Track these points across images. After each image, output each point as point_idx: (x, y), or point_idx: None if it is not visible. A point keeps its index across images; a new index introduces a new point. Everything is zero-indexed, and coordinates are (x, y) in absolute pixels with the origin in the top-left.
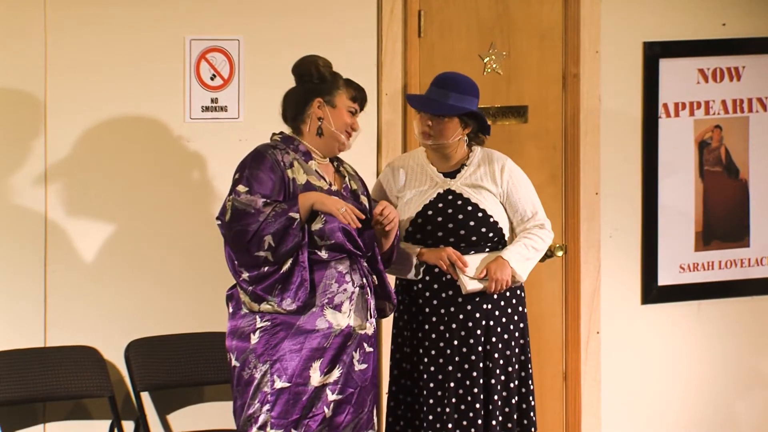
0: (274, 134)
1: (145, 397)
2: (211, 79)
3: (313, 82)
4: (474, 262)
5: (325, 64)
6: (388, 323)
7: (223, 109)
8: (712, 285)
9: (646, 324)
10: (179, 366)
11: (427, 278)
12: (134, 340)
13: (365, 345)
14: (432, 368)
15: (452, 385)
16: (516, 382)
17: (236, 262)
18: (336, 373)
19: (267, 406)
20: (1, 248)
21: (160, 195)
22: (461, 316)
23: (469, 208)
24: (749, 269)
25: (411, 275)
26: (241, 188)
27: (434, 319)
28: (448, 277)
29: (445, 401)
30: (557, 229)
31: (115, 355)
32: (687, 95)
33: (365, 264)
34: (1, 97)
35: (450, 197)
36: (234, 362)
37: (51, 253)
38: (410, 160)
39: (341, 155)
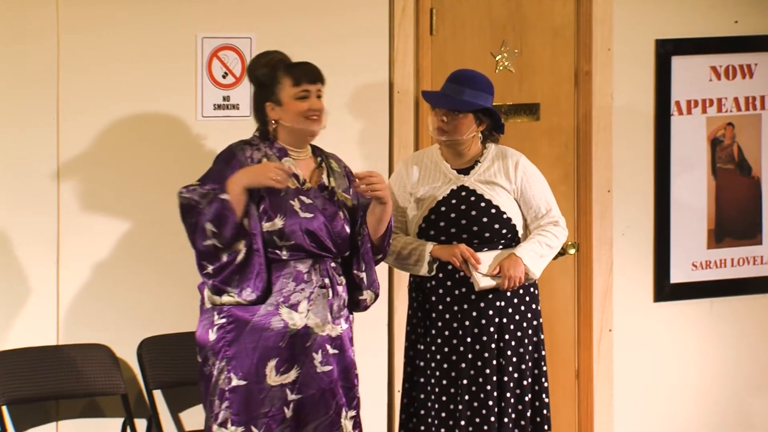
0: (257, 129)
1: (158, 395)
2: (223, 77)
3: (258, 88)
4: (487, 259)
5: (261, 64)
6: (401, 321)
7: (235, 107)
8: (724, 282)
9: (658, 322)
10: (192, 364)
11: (440, 275)
12: (147, 338)
13: (328, 347)
14: (445, 365)
15: (465, 382)
16: (529, 380)
17: (198, 257)
18: (294, 374)
19: (226, 403)
20: (14, 246)
21: (172, 193)
22: (474, 313)
23: (482, 204)
24: (762, 267)
25: (424, 272)
26: (193, 183)
27: (447, 316)
28: (461, 274)
29: (458, 398)
30: (569, 226)
31: (127, 353)
32: (699, 93)
33: (333, 265)
34: (14, 96)
35: (463, 193)
36: (198, 357)
37: (63, 251)
38: (424, 157)
39: (345, 154)
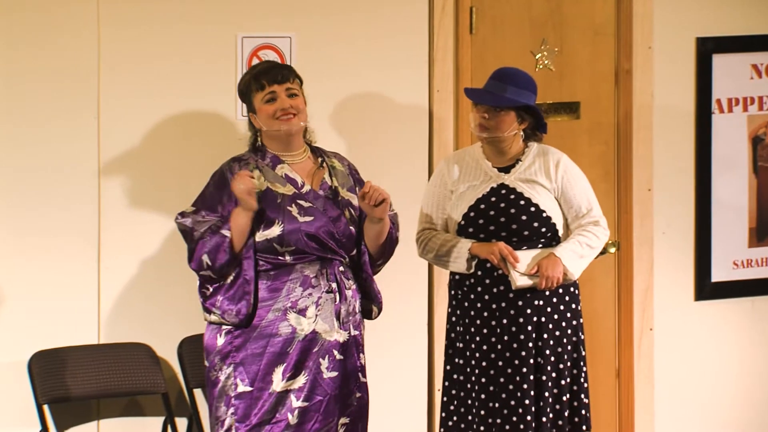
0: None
1: (198, 393)
2: None
3: (243, 100)
4: (525, 257)
5: (242, 79)
6: (441, 320)
7: None
8: (766, 281)
9: (699, 321)
10: None
11: (479, 273)
12: (187, 336)
13: (335, 352)
14: (483, 363)
15: (502, 380)
16: (568, 380)
17: (199, 279)
18: (301, 380)
19: (231, 410)
20: (55, 246)
21: None
22: (512, 312)
23: (522, 202)
24: None
25: (462, 268)
26: (189, 208)
27: (486, 314)
28: (500, 272)
29: (496, 397)
30: (610, 225)
31: (168, 352)
32: (740, 91)
33: (342, 269)
34: (55, 94)
35: (503, 191)
36: (205, 362)
37: (104, 251)
38: (465, 155)
39: (346, 151)
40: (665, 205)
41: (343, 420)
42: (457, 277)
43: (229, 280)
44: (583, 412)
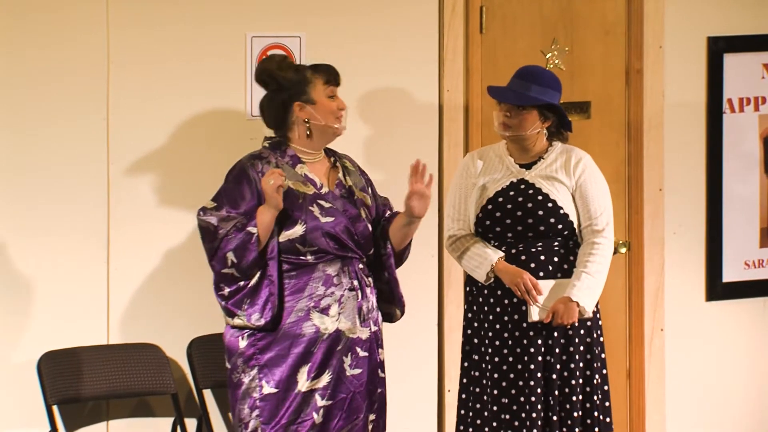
0: (265, 138)
1: (208, 394)
2: None
3: (282, 88)
4: (545, 288)
5: (281, 66)
6: (451, 321)
7: None
8: None
9: (710, 321)
10: None
11: (492, 284)
12: (197, 337)
13: (358, 349)
14: (496, 359)
15: (512, 376)
16: (580, 380)
17: (215, 278)
18: (326, 379)
19: (256, 412)
20: (64, 246)
21: None
22: (524, 308)
23: (540, 198)
24: None
25: (481, 279)
26: (208, 204)
27: (498, 309)
28: None
29: (506, 393)
30: (621, 225)
31: (177, 353)
32: (752, 90)
33: (361, 266)
34: (64, 94)
35: (522, 186)
36: (227, 364)
37: (113, 251)
38: (490, 151)
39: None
40: (676, 205)
41: (371, 417)
42: (474, 290)
43: (253, 282)
44: (596, 413)
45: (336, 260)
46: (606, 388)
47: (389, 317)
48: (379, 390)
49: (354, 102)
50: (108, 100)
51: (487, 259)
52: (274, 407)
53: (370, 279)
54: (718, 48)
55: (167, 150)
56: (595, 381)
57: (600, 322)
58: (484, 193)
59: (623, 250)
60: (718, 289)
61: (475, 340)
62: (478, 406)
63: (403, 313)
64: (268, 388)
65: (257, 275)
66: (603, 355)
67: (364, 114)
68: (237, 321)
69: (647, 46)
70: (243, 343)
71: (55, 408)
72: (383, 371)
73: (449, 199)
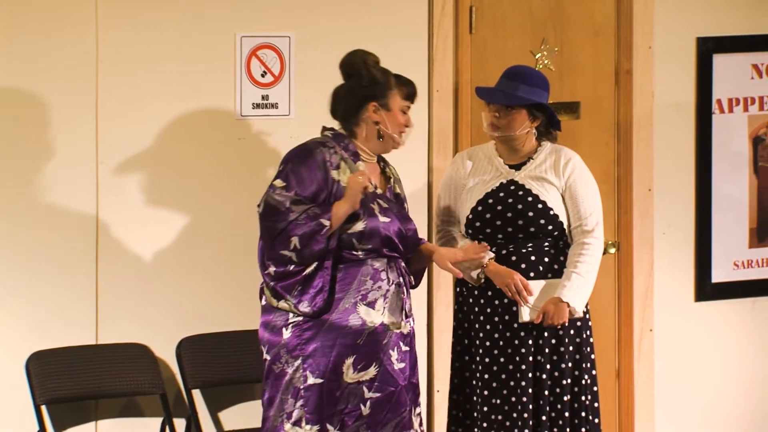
0: (324, 129)
1: (197, 394)
2: (262, 75)
3: (365, 84)
4: (536, 288)
5: (374, 62)
6: (440, 322)
7: (274, 106)
8: (766, 282)
9: (699, 321)
10: (231, 363)
11: (482, 284)
12: (186, 337)
13: (401, 344)
14: (486, 359)
15: (503, 377)
16: (569, 380)
17: (265, 255)
18: (372, 371)
19: (300, 402)
20: (52, 245)
21: (211, 192)
22: (514, 308)
23: (530, 199)
24: None
25: (471, 280)
26: (278, 183)
27: (488, 310)
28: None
29: (497, 393)
30: (610, 226)
31: (166, 353)
32: (741, 91)
33: (404, 265)
34: (53, 94)
35: (512, 187)
36: (265, 355)
37: (102, 251)
38: (479, 151)
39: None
40: (665, 205)
41: (417, 410)
42: (464, 291)
43: (308, 271)
44: (584, 413)
45: (383, 256)
46: (595, 388)
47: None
48: (418, 385)
49: None
50: (97, 100)
51: (479, 261)
52: (319, 397)
53: (412, 278)
54: (708, 48)
55: (156, 150)
56: (584, 381)
57: (590, 323)
58: (474, 195)
59: (612, 250)
60: (707, 289)
61: (466, 341)
62: (468, 406)
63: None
64: (313, 379)
65: (313, 266)
66: (593, 356)
67: None
68: (283, 304)
69: (637, 47)
70: (287, 334)
71: (43, 408)
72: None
73: (439, 200)
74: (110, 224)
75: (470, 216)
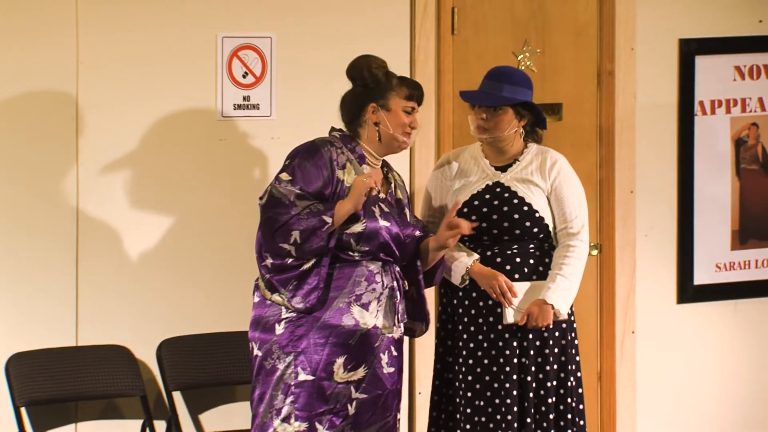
0: (333, 129)
1: (177, 396)
2: (243, 76)
3: (366, 86)
4: (521, 290)
5: (378, 65)
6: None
7: (256, 107)
8: (749, 284)
9: (681, 324)
10: (211, 365)
11: (467, 286)
12: (166, 339)
13: (392, 348)
14: (470, 361)
15: (487, 378)
16: (554, 382)
17: (263, 247)
18: (361, 372)
19: (291, 398)
20: (32, 246)
21: (192, 193)
22: (499, 310)
23: (515, 201)
24: None
25: (456, 282)
26: (284, 176)
27: (473, 311)
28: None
29: (481, 395)
30: (592, 227)
31: (147, 354)
32: (723, 92)
33: (398, 269)
34: (33, 96)
35: (498, 189)
36: (256, 351)
37: (82, 252)
38: (465, 152)
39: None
40: (647, 207)
41: (399, 416)
42: (448, 292)
43: (306, 267)
44: (569, 416)
45: (378, 260)
46: (580, 391)
47: (411, 332)
48: (401, 389)
49: (324, 102)
50: (77, 101)
51: (462, 262)
52: (309, 394)
53: (405, 282)
54: (690, 50)
55: (137, 151)
56: (569, 384)
57: (574, 325)
58: (460, 196)
59: (594, 252)
60: (689, 291)
61: (449, 342)
62: (450, 408)
63: (427, 328)
64: (304, 375)
65: (311, 263)
66: (578, 358)
67: (335, 114)
68: (276, 297)
69: (619, 48)
70: (280, 330)
71: (23, 410)
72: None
73: (424, 201)
74: (90, 226)
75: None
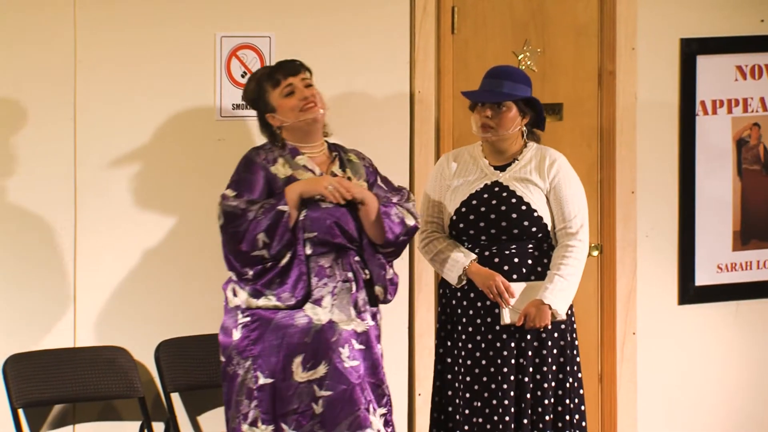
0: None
1: (176, 398)
2: (242, 76)
3: (256, 106)
4: (518, 290)
5: (247, 85)
6: (422, 323)
7: None
8: (750, 285)
9: (682, 325)
10: (210, 367)
11: (465, 286)
12: (164, 340)
13: (354, 341)
14: (468, 362)
15: (485, 379)
16: (553, 383)
17: (238, 263)
18: (322, 369)
19: (255, 402)
20: (30, 248)
21: (190, 194)
22: (496, 310)
23: (513, 200)
24: None
25: (452, 281)
26: (228, 192)
27: (471, 312)
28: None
29: (479, 396)
30: (592, 228)
31: (145, 356)
32: (725, 92)
33: (357, 258)
34: (31, 95)
35: (496, 189)
36: (221, 357)
37: (81, 253)
38: (465, 152)
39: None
40: (649, 207)
41: (381, 411)
42: (447, 292)
43: (284, 262)
44: (568, 417)
45: (330, 252)
46: (581, 392)
47: (373, 300)
48: (386, 385)
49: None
50: (75, 100)
51: (459, 261)
52: (271, 397)
53: (366, 272)
54: (691, 50)
55: (135, 151)
56: (568, 384)
57: (575, 326)
58: (458, 196)
59: (595, 253)
60: (690, 292)
61: (448, 343)
62: (450, 409)
63: (386, 291)
64: (264, 379)
65: (288, 257)
66: (578, 359)
67: (334, 114)
68: (263, 301)
69: (620, 48)
70: (237, 335)
71: (20, 411)
72: (383, 366)
73: (423, 201)
74: (89, 226)
75: (454, 217)
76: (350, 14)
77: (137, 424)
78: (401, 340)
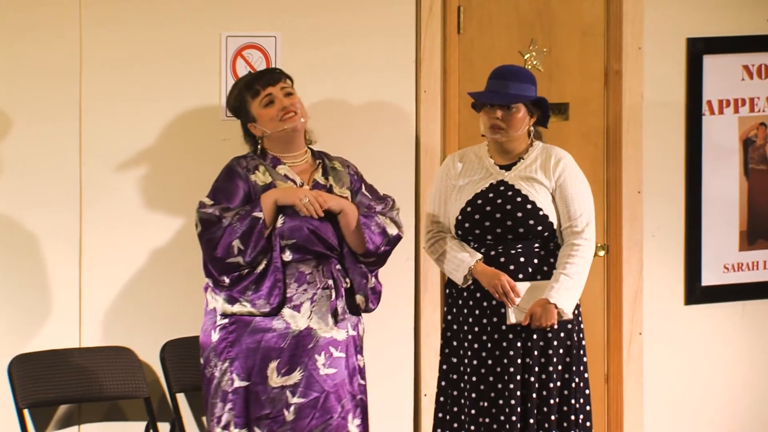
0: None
1: (181, 398)
2: None
3: (239, 116)
4: (523, 290)
5: (229, 96)
6: (427, 324)
7: None
8: (757, 285)
9: (689, 325)
10: None
11: (471, 286)
12: (170, 340)
13: (332, 349)
14: (474, 361)
15: (491, 379)
16: (558, 383)
17: (215, 271)
18: (296, 376)
19: (229, 405)
20: (36, 248)
21: (196, 193)
22: (502, 310)
23: (519, 199)
24: None
25: (458, 282)
26: (206, 200)
27: (477, 312)
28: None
29: (485, 395)
30: (599, 228)
31: (150, 356)
32: (731, 92)
33: (338, 267)
34: (36, 95)
35: (502, 188)
36: (201, 359)
37: (86, 253)
38: (470, 152)
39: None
40: (655, 207)
41: (356, 421)
42: (453, 293)
43: (260, 269)
44: (573, 417)
45: (311, 259)
46: (587, 392)
47: (354, 309)
48: (360, 397)
49: (329, 101)
50: (81, 100)
51: (464, 261)
52: (245, 400)
53: (348, 280)
54: (698, 49)
55: (140, 151)
56: (574, 384)
57: (581, 325)
58: (463, 195)
59: (601, 253)
60: (696, 292)
61: (454, 343)
62: (455, 409)
63: (369, 301)
64: (239, 382)
65: (263, 264)
66: (584, 359)
67: (340, 114)
68: (238, 308)
69: (626, 48)
70: (215, 337)
71: (26, 412)
72: (363, 378)
73: (429, 201)
74: (94, 226)
75: (459, 217)
76: (356, 14)
77: (143, 424)
78: (407, 341)
